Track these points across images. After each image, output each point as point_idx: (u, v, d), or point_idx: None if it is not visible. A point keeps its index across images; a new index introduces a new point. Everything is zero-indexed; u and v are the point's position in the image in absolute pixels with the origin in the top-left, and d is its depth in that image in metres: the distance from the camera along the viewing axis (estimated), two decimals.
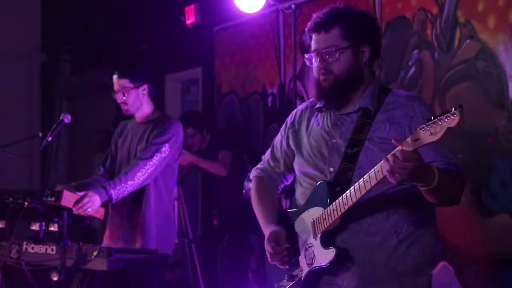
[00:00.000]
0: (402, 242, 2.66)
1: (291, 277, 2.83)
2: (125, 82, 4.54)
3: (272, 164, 3.08)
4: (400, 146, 2.36)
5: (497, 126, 4.28)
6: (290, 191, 4.87)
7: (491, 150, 4.32)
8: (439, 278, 4.57)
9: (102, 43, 8.40)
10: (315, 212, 2.75)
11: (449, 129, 2.23)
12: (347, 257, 2.66)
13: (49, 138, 4.45)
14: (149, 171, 4.39)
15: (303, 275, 2.77)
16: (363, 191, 2.52)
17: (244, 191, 4.35)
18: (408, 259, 2.66)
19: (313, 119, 2.88)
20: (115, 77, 4.58)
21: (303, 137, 2.90)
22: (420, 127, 2.30)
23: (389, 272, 2.65)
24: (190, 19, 6.97)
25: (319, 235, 2.70)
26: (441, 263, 4.60)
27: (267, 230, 2.90)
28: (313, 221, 2.75)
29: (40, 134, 4.63)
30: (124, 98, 4.55)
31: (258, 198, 3.05)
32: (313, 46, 2.78)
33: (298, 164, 2.91)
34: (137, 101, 4.58)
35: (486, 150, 4.34)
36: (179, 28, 7.15)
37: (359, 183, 2.54)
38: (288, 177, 3.07)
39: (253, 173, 3.15)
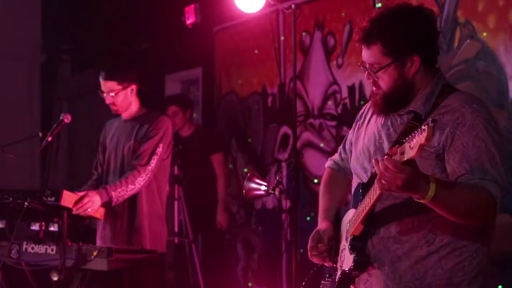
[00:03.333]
0: (434, 253, 2.52)
1: (330, 276, 2.81)
2: (113, 84, 4.52)
3: (343, 156, 2.98)
4: (391, 155, 2.25)
5: None
6: (290, 191, 4.87)
7: None
8: None
9: (102, 43, 8.40)
10: (351, 214, 2.69)
11: (421, 145, 2.12)
12: (367, 264, 2.59)
13: (49, 138, 4.45)
14: (149, 175, 4.42)
15: (337, 277, 2.74)
16: (373, 199, 2.44)
17: (244, 191, 4.36)
18: (440, 272, 2.52)
19: (374, 115, 2.77)
20: (101, 78, 4.55)
21: (362, 132, 2.80)
22: (407, 139, 2.20)
23: (416, 283, 2.54)
24: (190, 19, 6.96)
25: (349, 239, 2.64)
26: None
27: (318, 225, 2.85)
28: (348, 223, 2.69)
29: (40, 134, 4.63)
30: (113, 99, 4.54)
31: (322, 190, 2.98)
32: (363, 55, 2.65)
33: (352, 160, 2.82)
34: (125, 101, 4.57)
35: None
36: (179, 28, 7.15)
37: (371, 189, 2.45)
38: None
39: (327, 164, 3.06)
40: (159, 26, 7.65)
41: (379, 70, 2.57)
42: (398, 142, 2.52)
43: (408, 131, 2.51)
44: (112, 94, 4.51)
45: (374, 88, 2.65)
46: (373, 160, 2.30)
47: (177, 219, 6.46)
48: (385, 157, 2.25)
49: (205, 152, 6.40)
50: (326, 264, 2.82)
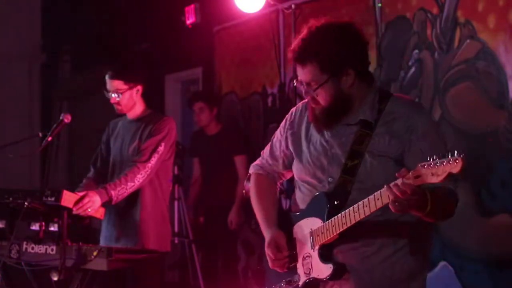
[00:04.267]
0: (399, 250, 2.68)
1: (289, 283, 2.84)
2: (119, 83, 4.50)
3: (270, 162, 3.03)
4: (401, 179, 2.37)
5: (497, 126, 4.28)
6: (289, 191, 4.87)
7: (491, 150, 4.31)
8: (439, 278, 4.57)
9: (102, 43, 8.41)
10: (313, 223, 2.74)
11: (450, 173, 2.27)
12: (344, 271, 2.68)
13: (49, 138, 4.45)
14: (148, 172, 4.40)
15: (300, 283, 2.79)
16: (362, 216, 2.54)
17: (244, 191, 4.37)
18: (405, 266, 2.68)
19: (312, 124, 2.85)
20: (108, 77, 4.54)
21: (303, 142, 2.86)
22: (422, 164, 2.33)
23: (386, 281, 2.67)
24: (190, 19, 6.97)
25: (317, 247, 2.71)
26: (441, 263, 4.60)
27: (267, 233, 2.89)
28: (312, 231, 2.74)
29: (40, 134, 4.63)
30: (118, 99, 4.54)
31: (257, 197, 3.03)
32: (298, 74, 2.77)
33: (297, 169, 2.89)
34: (130, 101, 4.56)
35: (486, 150, 4.34)
36: (179, 28, 7.15)
37: (358, 205, 2.54)
38: (286, 175, 3.04)
39: (251, 169, 3.11)
40: (159, 26, 7.65)
41: (318, 88, 2.68)
42: (353, 151, 2.67)
43: (360, 138, 2.68)
44: (118, 93, 4.51)
45: (312, 104, 2.75)
46: (385, 186, 2.41)
47: (177, 219, 6.46)
48: (401, 181, 2.37)
49: (228, 153, 6.30)
50: (280, 271, 2.85)
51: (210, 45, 7.11)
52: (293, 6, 5.02)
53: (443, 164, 2.28)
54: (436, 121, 2.81)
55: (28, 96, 9.57)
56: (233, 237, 6.50)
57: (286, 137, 2.94)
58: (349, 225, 2.58)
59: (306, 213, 2.80)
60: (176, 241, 6.40)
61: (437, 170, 2.30)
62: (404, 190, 2.36)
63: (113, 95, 4.52)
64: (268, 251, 2.84)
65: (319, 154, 2.78)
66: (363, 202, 2.52)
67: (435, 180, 2.31)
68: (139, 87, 4.57)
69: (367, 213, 2.51)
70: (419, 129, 2.65)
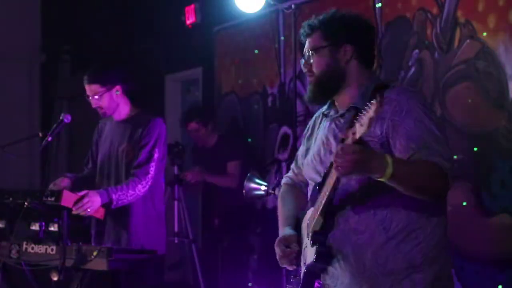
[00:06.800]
0: (392, 238, 2.62)
1: (295, 277, 2.87)
2: (96, 87, 4.51)
3: (296, 171, 3.08)
4: (345, 138, 2.41)
5: (497, 126, 4.28)
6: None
7: (491, 150, 4.32)
8: None
9: (102, 43, 8.41)
10: (309, 213, 2.79)
11: (371, 119, 2.28)
12: (330, 255, 2.68)
13: (49, 138, 4.45)
14: (149, 183, 4.41)
15: (302, 272, 2.80)
16: (329, 188, 2.56)
17: (244, 191, 4.36)
18: (400, 256, 2.61)
19: (321, 125, 2.90)
20: (84, 82, 4.54)
21: (311, 143, 2.92)
22: (357, 119, 2.34)
23: (379, 269, 2.63)
24: (190, 19, 6.97)
25: (310, 235, 2.72)
26: None
27: (280, 233, 2.94)
28: (308, 222, 2.78)
29: (40, 134, 4.64)
30: (99, 103, 4.54)
31: (280, 203, 3.08)
32: (304, 51, 2.86)
33: (304, 168, 2.94)
34: (112, 103, 4.56)
35: (486, 150, 4.34)
36: (179, 28, 7.15)
37: (327, 181, 2.59)
38: None
39: (282, 180, 3.18)
40: (159, 26, 7.65)
41: (315, 50, 2.76)
42: (343, 139, 2.62)
43: (351, 126, 2.62)
44: (97, 97, 4.51)
45: (308, 78, 2.83)
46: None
47: (177, 219, 6.45)
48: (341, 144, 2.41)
49: (224, 161, 6.28)
50: (289, 268, 2.88)
51: (210, 45, 7.10)
52: (293, 6, 5.02)
53: (366, 112, 2.28)
54: (429, 104, 2.77)
55: (28, 96, 9.57)
56: (233, 238, 6.51)
57: (303, 144, 3.01)
58: (324, 201, 2.60)
59: (307, 208, 2.84)
60: (176, 241, 6.40)
61: (363, 119, 2.30)
62: (336, 151, 2.40)
63: (93, 99, 4.53)
64: (276, 250, 2.87)
65: (319, 149, 2.82)
66: (329, 174, 2.56)
67: (362, 130, 2.31)
68: (118, 87, 4.55)
69: (331, 183, 2.54)
70: (404, 108, 2.61)
